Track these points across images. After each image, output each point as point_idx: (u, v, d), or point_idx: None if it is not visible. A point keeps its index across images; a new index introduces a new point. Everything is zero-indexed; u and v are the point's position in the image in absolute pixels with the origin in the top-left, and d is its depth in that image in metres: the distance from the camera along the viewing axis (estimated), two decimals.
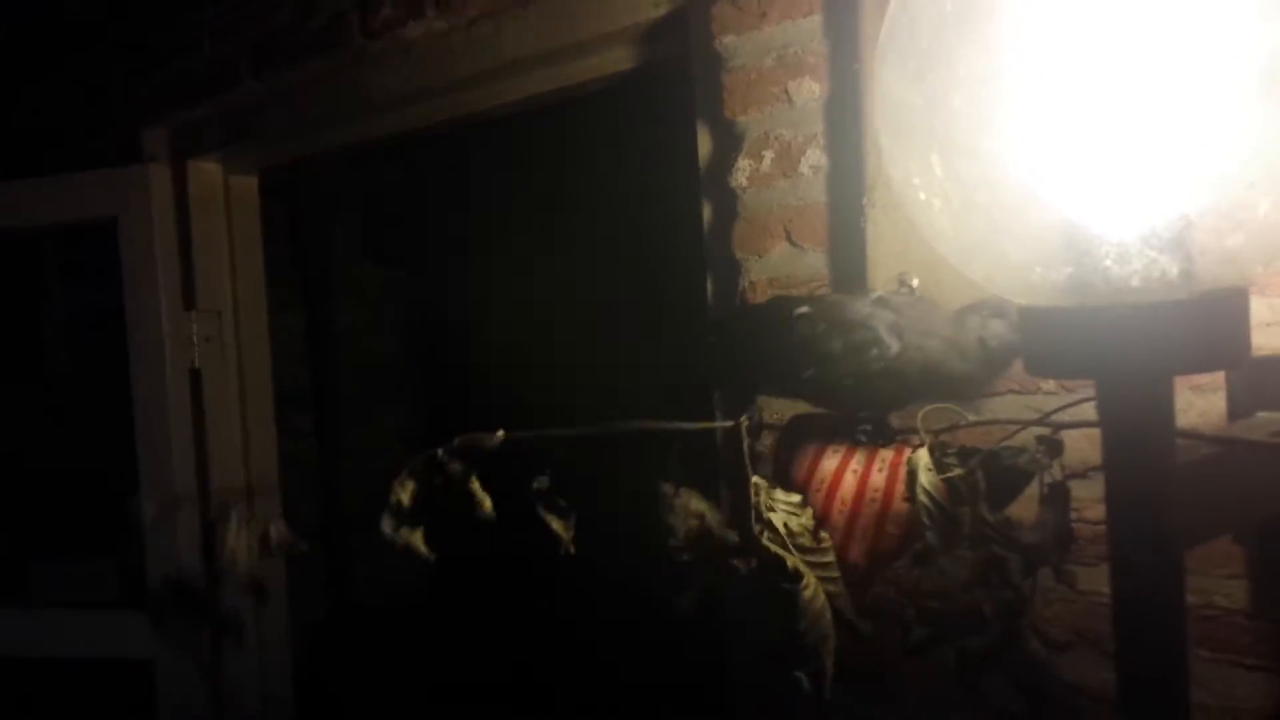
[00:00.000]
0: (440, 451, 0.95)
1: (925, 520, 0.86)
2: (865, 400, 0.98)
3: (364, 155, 3.07)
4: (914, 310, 1.02)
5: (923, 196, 0.77)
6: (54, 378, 2.60)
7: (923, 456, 0.89)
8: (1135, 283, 0.74)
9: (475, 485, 0.94)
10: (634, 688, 2.90)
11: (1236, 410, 1.01)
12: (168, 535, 2.20)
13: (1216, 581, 1.06)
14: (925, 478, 0.87)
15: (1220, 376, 1.02)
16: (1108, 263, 0.73)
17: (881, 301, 1.03)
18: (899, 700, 1.29)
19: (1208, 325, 0.74)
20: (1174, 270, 0.73)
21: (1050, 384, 1.14)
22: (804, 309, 1.05)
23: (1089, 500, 1.11)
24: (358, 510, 3.57)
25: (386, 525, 0.96)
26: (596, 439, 0.97)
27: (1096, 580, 1.14)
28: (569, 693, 3.10)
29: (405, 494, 0.95)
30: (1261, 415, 0.99)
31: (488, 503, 0.95)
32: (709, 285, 1.45)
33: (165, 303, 2.20)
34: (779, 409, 1.13)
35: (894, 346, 0.95)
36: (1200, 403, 1.04)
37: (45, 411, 2.59)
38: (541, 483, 0.97)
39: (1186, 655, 0.81)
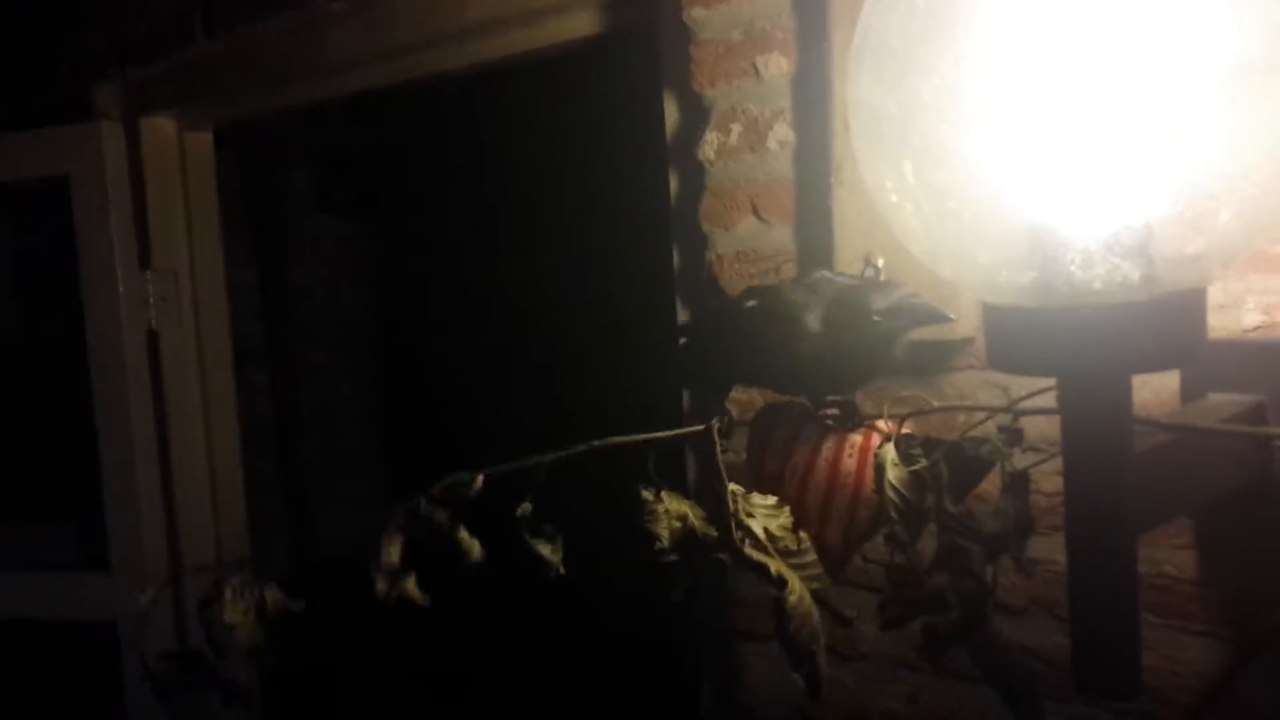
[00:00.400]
0: (421, 502, 0.96)
1: (893, 514, 0.89)
2: (804, 383, 1.00)
3: (322, 112, 3.03)
4: (851, 294, 1.03)
5: (895, 199, 0.79)
6: (4, 337, 2.56)
7: (889, 451, 0.91)
8: (1097, 286, 0.76)
9: (463, 534, 0.96)
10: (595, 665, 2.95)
11: (1189, 389, 1.05)
12: (129, 498, 2.19)
13: (1167, 552, 1.10)
14: (892, 473, 0.89)
15: None
16: (1072, 267, 0.75)
17: (811, 287, 1.03)
18: (862, 662, 1.33)
19: (1165, 325, 0.77)
20: (1135, 275, 0.76)
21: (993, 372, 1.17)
22: (751, 302, 1.06)
23: (1046, 473, 1.15)
24: (316, 466, 3.57)
25: (381, 585, 0.98)
26: (573, 460, 0.99)
27: (1051, 549, 1.18)
28: (534, 657, 3.15)
29: (394, 552, 0.97)
30: (1213, 396, 1.02)
31: (476, 550, 0.97)
32: (675, 256, 1.46)
33: (120, 263, 2.16)
34: (750, 400, 1.15)
35: (814, 328, 0.97)
36: (1154, 381, 1.07)
37: None
38: (525, 508, 0.98)
39: (1139, 640, 0.85)
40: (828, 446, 1.01)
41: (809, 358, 0.91)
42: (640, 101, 1.64)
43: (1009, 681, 0.91)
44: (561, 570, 0.97)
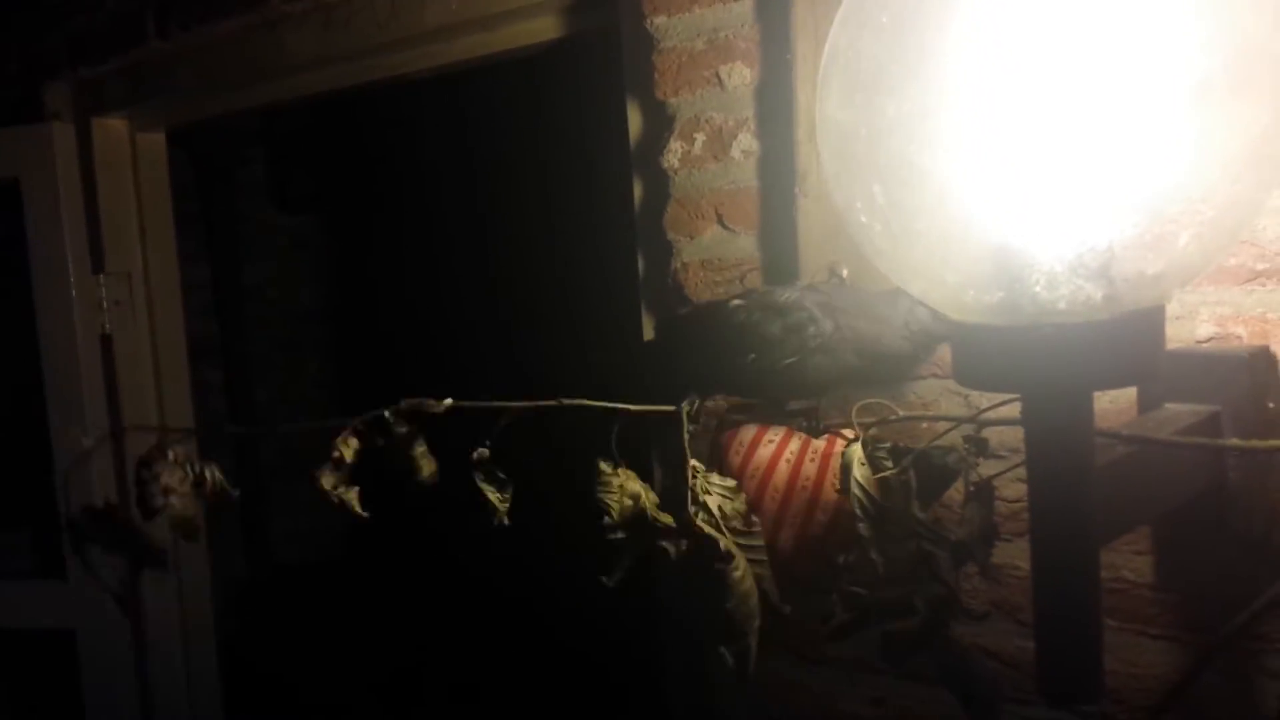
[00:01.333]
0: (387, 413, 0.95)
1: (858, 513, 0.90)
2: (807, 380, 1.02)
3: (278, 110, 2.99)
4: (841, 294, 1.05)
5: (864, 220, 0.80)
6: None
7: (856, 451, 0.92)
8: (1062, 306, 0.78)
9: (420, 449, 0.95)
10: (563, 654, 2.95)
11: (1146, 399, 1.07)
12: (83, 506, 2.16)
13: (1125, 557, 1.13)
14: (859, 472, 0.91)
15: None
16: (1037, 288, 0.77)
17: (810, 287, 1.06)
18: (828, 667, 1.35)
19: (1126, 344, 0.79)
20: (1098, 295, 0.77)
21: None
22: (738, 300, 1.08)
23: (1008, 480, 1.17)
24: (272, 466, 3.53)
25: (326, 480, 0.96)
26: (541, 411, 0.99)
27: (1013, 555, 1.20)
28: (493, 653, 3.14)
29: (349, 450, 0.96)
30: (1170, 406, 1.04)
31: (430, 467, 0.96)
32: (640, 263, 1.46)
33: (73, 267, 2.13)
34: (716, 405, 1.15)
35: (828, 324, 0.99)
36: (1112, 391, 1.09)
37: None
38: (482, 453, 0.98)
39: (1101, 647, 0.87)
40: (791, 449, 1.02)
41: (820, 349, 0.93)
42: (603, 106, 1.64)
43: (969, 685, 0.92)
44: (506, 520, 0.97)
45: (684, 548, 0.98)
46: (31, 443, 2.22)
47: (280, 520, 3.49)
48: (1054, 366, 0.78)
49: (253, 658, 2.88)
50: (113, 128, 2.16)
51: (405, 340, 3.40)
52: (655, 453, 1.28)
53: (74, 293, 2.12)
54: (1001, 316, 0.79)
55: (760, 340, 1.01)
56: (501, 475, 0.99)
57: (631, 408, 0.98)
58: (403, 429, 0.96)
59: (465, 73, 1.82)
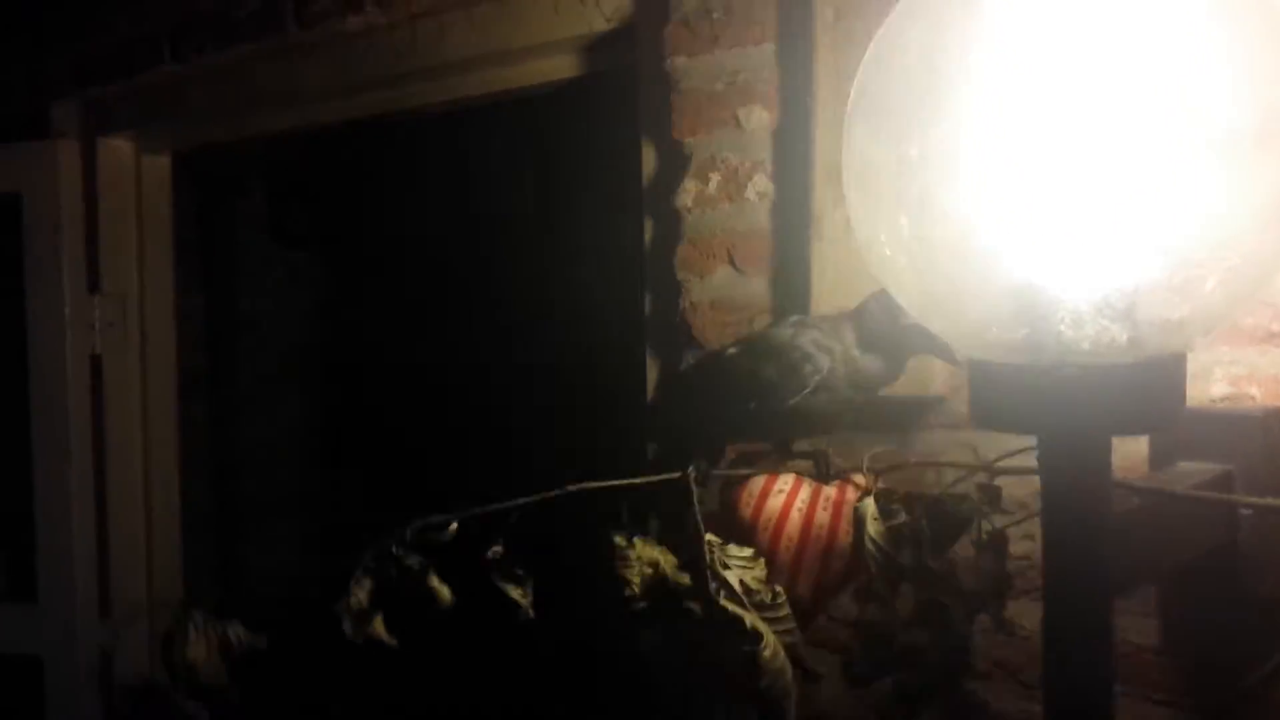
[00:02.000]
0: (394, 546, 0.94)
1: (873, 568, 0.88)
2: (811, 419, 1.00)
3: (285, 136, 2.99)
4: (827, 325, 1.04)
5: (889, 253, 0.79)
6: None
7: (869, 506, 0.91)
8: (1086, 346, 0.77)
9: (434, 580, 0.94)
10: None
11: (1157, 457, 1.06)
12: (61, 528, 2.12)
13: (1130, 619, 1.11)
14: (872, 527, 0.89)
15: None
16: (1062, 327, 0.76)
17: (800, 323, 1.04)
18: None
19: (1148, 389, 0.78)
20: (1123, 338, 0.77)
21: (969, 431, 1.18)
22: (733, 348, 1.07)
23: (1015, 536, 1.15)
24: (256, 503, 3.48)
25: (348, 628, 0.95)
26: (547, 504, 0.97)
27: (1017, 613, 1.18)
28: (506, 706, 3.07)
29: (364, 594, 0.94)
30: (1182, 464, 1.03)
31: (446, 595, 0.95)
32: (647, 302, 1.45)
33: (69, 285, 2.11)
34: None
35: (824, 361, 0.98)
36: (1124, 447, 1.08)
37: None
38: (496, 552, 0.96)
39: (1113, 701, 0.85)
40: (802, 498, 1.01)
41: (821, 387, 0.92)
42: (616, 145, 1.65)
43: None
44: (531, 613, 0.94)
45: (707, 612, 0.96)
46: (10, 461, 2.18)
47: (256, 556, 3.42)
48: (1075, 409, 0.77)
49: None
50: (118, 148, 2.16)
51: (396, 380, 3.38)
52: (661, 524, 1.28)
53: (68, 310, 2.10)
54: (1023, 355, 0.78)
55: (759, 385, 1.00)
56: (519, 571, 0.97)
57: (638, 481, 0.96)
58: (414, 562, 0.95)
59: (467, 112, 1.83)
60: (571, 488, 0.93)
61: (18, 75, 2.22)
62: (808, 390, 0.99)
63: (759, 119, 1.29)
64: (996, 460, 0.94)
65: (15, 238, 2.11)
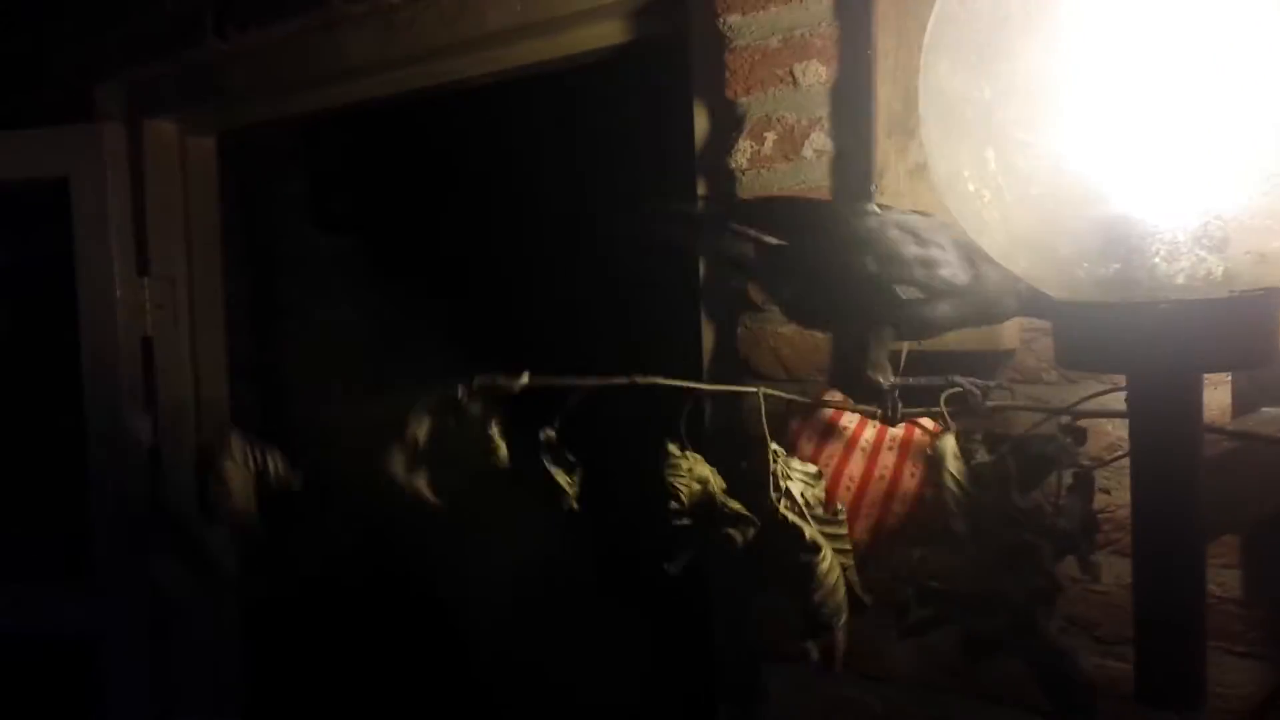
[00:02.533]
0: (460, 390, 0.91)
1: (953, 507, 0.87)
2: (924, 322, 0.92)
3: (325, 120, 2.99)
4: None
5: (972, 188, 0.77)
6: None
7: (949, 444, 0.89)
8: (1180, 280, 0.75)
9: (495, 431, 0.91)
10: (605, 672, 2.88)
11: (1241, 405, 1.03)
12: (116, 508, 2.13)
13: (1212, 570, 1.08)
14: (953, 465, 0.87)
15: (1226, 373, 1.04)
16: (1157, 259, 0.74)
17: (947, 225, 0.93)
18: (889, 685, 1.30)
19: (1242, 324, 0.76)
20: (1219, 270, 0.74)
21: (1052, 374, 1.16)
22: (870, 205, 0.96)
23: None
24: (302, 486, 3.50)
25: (397, 464, 0.92)
26: (616, 389, 0.95)
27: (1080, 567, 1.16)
28: (527, 672, 3.08)
29: (421, 431, 0.91)
30: (1266, 410, 1.01)
31: (504, 451, 0.92)
32: (701, 267, 1.44)
33: (118, 267, 2.12)
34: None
35: (965, 273, 0.90)
36: (1206, 394, 1.05)
37: None
38: (549, 434, 0.94)
39: (1204, 643, 0.83)
40: (866, 437, 0.99)
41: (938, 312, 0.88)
42: (664, 111, 1.63)
43: (1066, 689, 0.88)
44: (576, 505, 0.93)
45: (750, 536, 0.94)
46: (66, 445, 2.20)
47: (302, 540, 3.44)
48: (1166, 346, 0.76)
49: (274, 675, 2.83)
50: (163, 130, 2.16)
51: (437, 363, 3.38)
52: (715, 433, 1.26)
53: (118, 293, 2.11)
54: (1113, 292, 0.76)
55: (890, 258, 0.89)
56: (570, 458, 0.95)
57: (705, 386, 0.95)
58: (476, 408, 0.92)
59: (510, 87, 1.82)
60: (639, 379, 0.92)
61: (61, 58, 2.23)
62: (932, 290, 0.90)
63: (816, 74, 1.27)
64: (1077, 403, 0.92)
65: (65, 221, 2.11)
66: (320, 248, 3.49)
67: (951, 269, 0.87)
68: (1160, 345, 0.75)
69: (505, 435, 0.95)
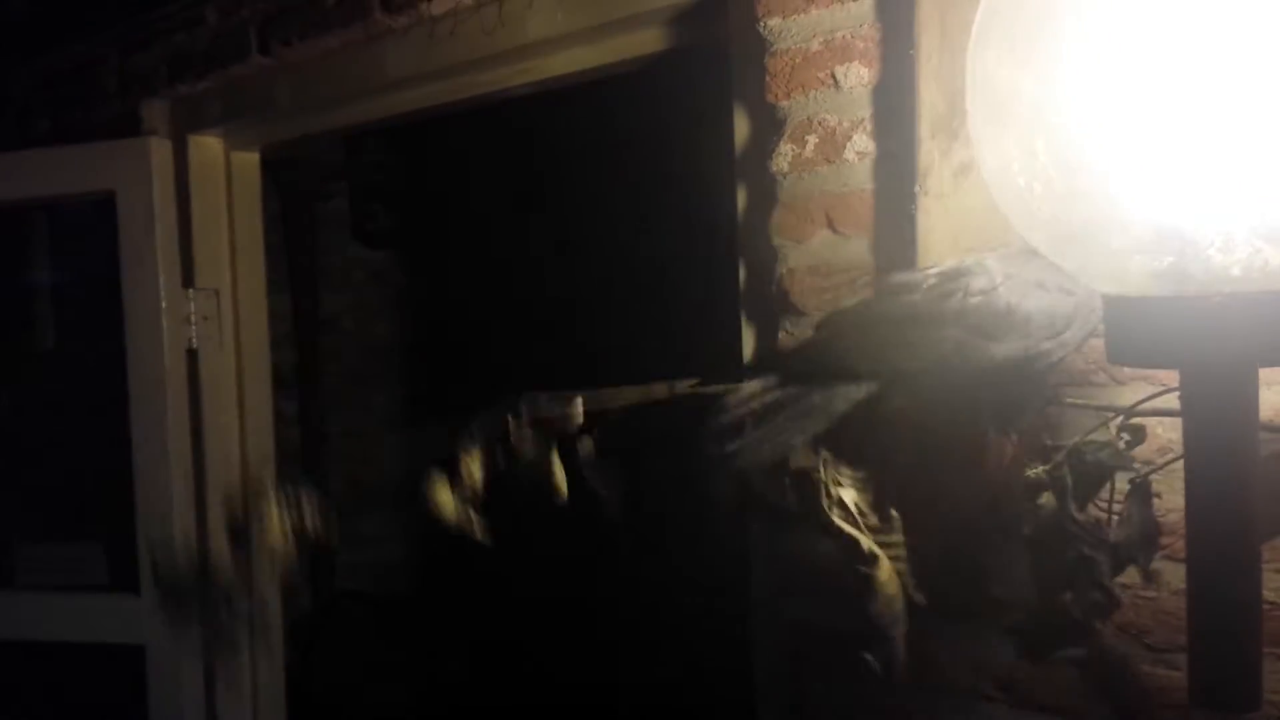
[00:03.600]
0: (510, 421, 0.90)
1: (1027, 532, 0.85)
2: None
3: (358, 132, 3.02)
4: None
5: (1022, 182, 0.76)
6: (41, 354, 2.54)
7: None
8: (1236, 272, 0.73)
9: (556, 467, 0.90)
10: (642, 685, 2.87)
11: None
12: (162, 519, 2.15)
13: (1267, 575, 1.06)
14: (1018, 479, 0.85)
15: None
16: (1211, 250, 0.72)
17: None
18: (930, 692, 1.28)
19: None
20: (1276, 260, 0.73)
21: (1101, 376, 1.14)
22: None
23: None
24: (339, 497, 3.52)
25: (456, 508, 0.91)
26: (657, 403, 0.94)
27: (1136, 573, 1.14)
28: (572, 688, 3.06)
29: (476, 470, 0.90)
30: None
31: (564, 487, 0.91)
32: (741, 271, 1.43)
33: (163, 280, 2.15)
34: None
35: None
36: (1265, 395, 1.03)
37: (31, 389, 2.52)
38: (588, 446, 0.93)
39: (1260, 642, 0.81)
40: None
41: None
42: (703, 117, 1.63)
43: (1126, 700, 0.86)
44: (620, 515, 0.91)
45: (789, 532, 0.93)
46: (111, 455, 2.22)
47: (347, 553, 3.47)
48: (1221, 339, 0.74)
49: (313, 688, 2.85)
50: (208, 145, 2.19)
51: (479, 377, 3.39)
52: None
53: (164, 305, 2.14)
54: (1165, 286, 0.75)
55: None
56: (612, 468, 0.95)
57: (757, 389, 0.93)
58: (531, 447, 0.91)
59: (550, 98, 1.82)
60: (685, 386, 0.90)
61: (108, 74, 2.27)
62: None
63: (858, 76, 1.27)
64: (1139, 403, 0.90)
65: (111, 234, 2.15)
66: (361, 261, 3.53)
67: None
68: (1215, 339, 0.74)
69: (562, 469, 0.93)
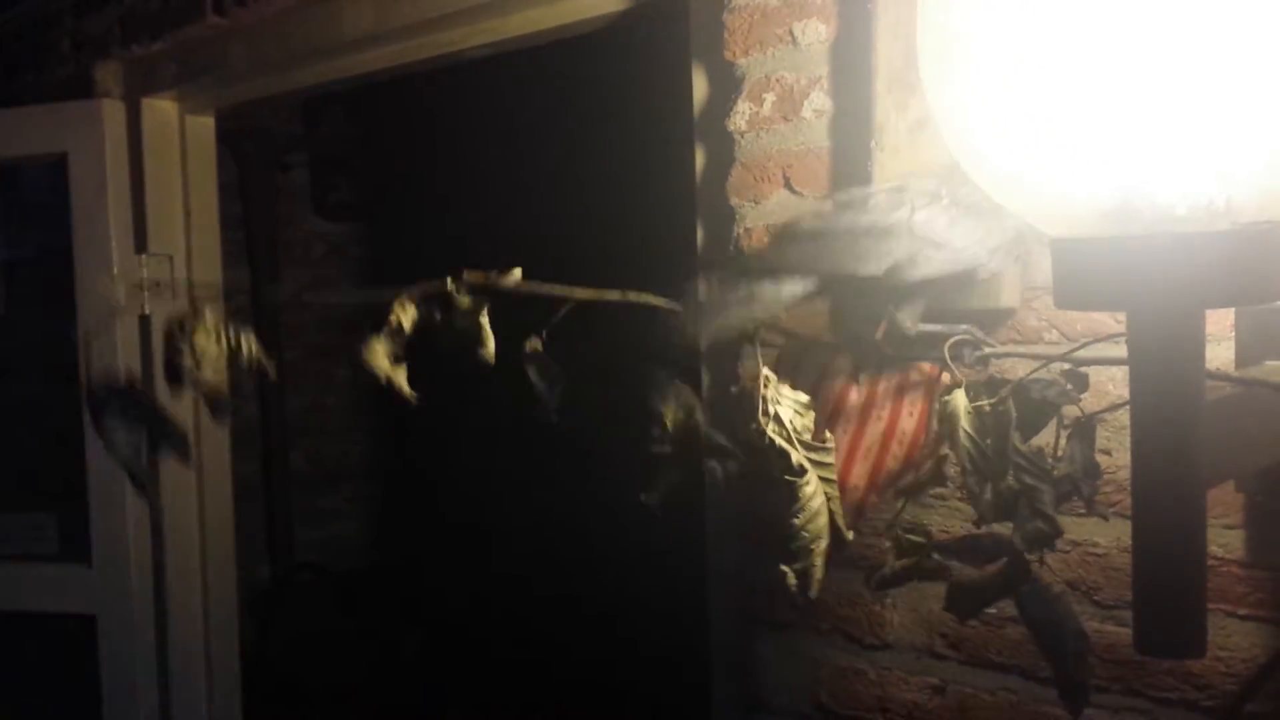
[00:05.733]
0: (450, 281, 0.89)
1: (969, 466, 0.85)
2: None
3: (318, 103, 2.98)
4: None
5: (969, 120, 0.76)
6: None
7: (961, 400, 0.87)
8: (1181, 211, 0.73)
9: (485, 320, 0.89)
10: (598, 658, 2.87)
11: (1244, 356, 1.02)
12: (114, 491, 2.12)
13: (1214, 531, 1.06)
14: (966, 421, 0.85)
15: (1229, 326, 1.03)
16: (1155, 188, 0.72)
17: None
18: (885, 651, 1.28)
19: (1244, 258, 0.74)
20: (1220, 200, 0.73)
21: (1054, 334, 1.14)
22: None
23: None
24: (299, 472, 3.49)
25: (375, 351, 0.89)
26: (608, 304, 0.93)
27: (1091, 531, 1.15)
28: (524, 660, 3.06)
29: (406, 318, 0.89)
30: (1269, 364, 0.99)
31: (492, 343, 0.90)
32: (699, 231, 1.42)
33: (115, 244, 2.11)
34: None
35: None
36: (1208, 352, 1.04)
37: None
38: (535, 343, 0.92)
39: (1204, 590, 0.81)
40: (865, 379, 0.97)
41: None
42: (661, 78, 1.62)
43: (1059, 639, 0.86)
44: (555, 416, 0.91)
45: (733, 470, 0.92)
46: (63, 425, 2.19)
47: (303, 527, 3.44)
48: (1168, 280, 0.74)
49: (271, 659, 2.82)
50: (162, 108, 2.16)
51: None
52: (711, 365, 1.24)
53: (116, 270, 2.10)
54: (1112, 225, 0.75)
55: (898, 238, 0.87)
56: (555, 368, 0.94)
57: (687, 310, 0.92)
58: (466, 302, 0.90)
59: (509, 60, 1.80)
60: (632, 295, 0.90)
61: (62, 35, 2.22)
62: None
63: (815, 33, 1.26)
64: (1079, 346, 0.91)
65: (58, 196, 2.11)
66: (321, 235, 3.49)
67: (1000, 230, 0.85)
68: (1162, 280, 0.74)
69: (494, 329, 0.93)
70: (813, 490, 0.85)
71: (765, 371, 0.88)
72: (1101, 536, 1.14)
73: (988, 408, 0.84)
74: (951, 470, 0.93)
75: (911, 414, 0.92)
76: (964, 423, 0.84)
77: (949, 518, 1.19)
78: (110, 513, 2.14)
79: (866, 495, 0.95)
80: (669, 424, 0.89)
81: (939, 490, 1.11)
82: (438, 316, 0.90)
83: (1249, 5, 0.67)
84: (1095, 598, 1.16)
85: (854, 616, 1.30)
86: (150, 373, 2.12)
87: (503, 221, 3.35)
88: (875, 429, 0.93)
